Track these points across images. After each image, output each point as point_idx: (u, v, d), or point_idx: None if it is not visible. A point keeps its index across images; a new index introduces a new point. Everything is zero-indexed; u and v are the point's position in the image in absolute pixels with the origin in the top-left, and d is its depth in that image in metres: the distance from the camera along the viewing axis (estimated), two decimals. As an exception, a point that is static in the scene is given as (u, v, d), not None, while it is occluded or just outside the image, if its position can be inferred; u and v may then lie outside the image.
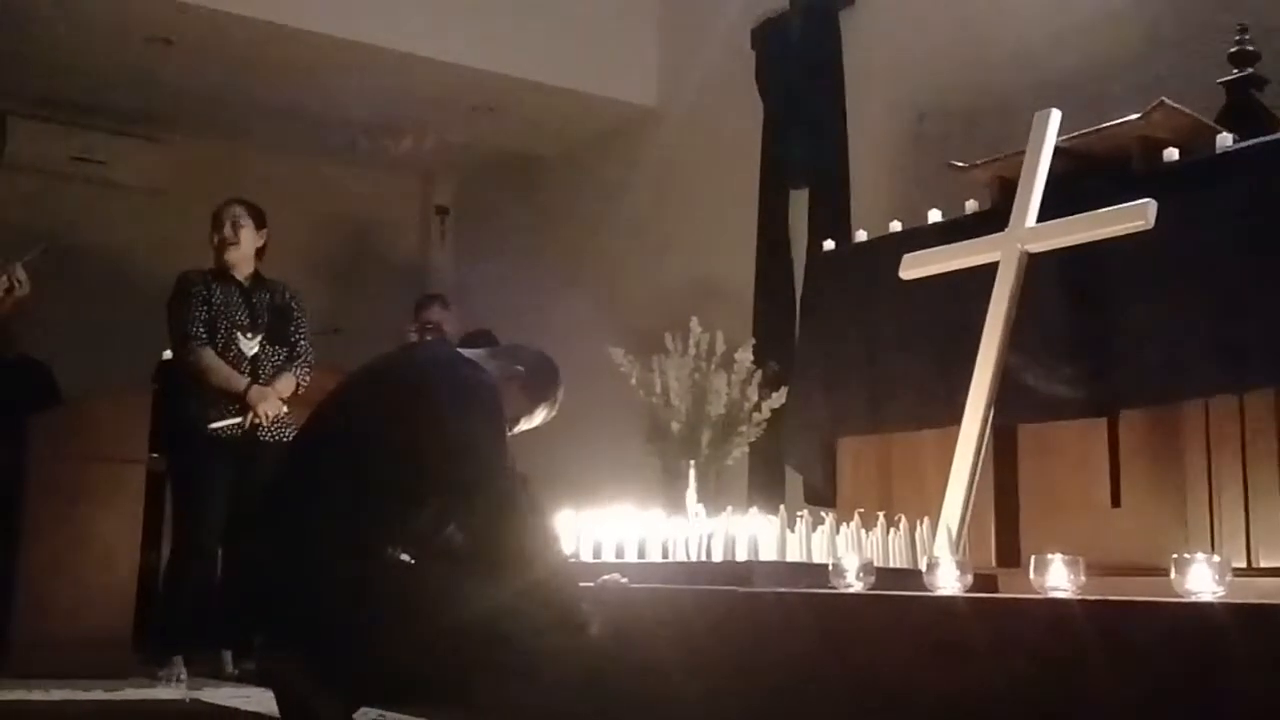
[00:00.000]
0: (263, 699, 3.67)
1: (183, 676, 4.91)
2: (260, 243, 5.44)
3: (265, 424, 5.17)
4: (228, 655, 5.18)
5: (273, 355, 5.34)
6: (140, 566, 5.34)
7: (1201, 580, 2.67)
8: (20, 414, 5.44)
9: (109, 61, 7.14)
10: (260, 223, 5.43)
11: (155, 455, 5.42)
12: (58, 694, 4.27)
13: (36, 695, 4.22)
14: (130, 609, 5.25)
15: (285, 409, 5.26)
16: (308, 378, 5.39)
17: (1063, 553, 2.85)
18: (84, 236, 7.86)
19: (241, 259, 5.38)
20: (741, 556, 3.63)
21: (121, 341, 6.00)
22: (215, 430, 5.14)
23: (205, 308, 5.25)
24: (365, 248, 9.07)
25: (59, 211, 7.80)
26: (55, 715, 3.80)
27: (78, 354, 6.73)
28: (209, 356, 5.19)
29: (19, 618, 5.13)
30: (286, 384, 5.32)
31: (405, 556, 3.29)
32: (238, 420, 5.15)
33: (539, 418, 3.68)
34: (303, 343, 5.46)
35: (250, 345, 5.28)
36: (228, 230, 5.34)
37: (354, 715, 3.32)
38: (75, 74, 7.33)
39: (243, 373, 5.23)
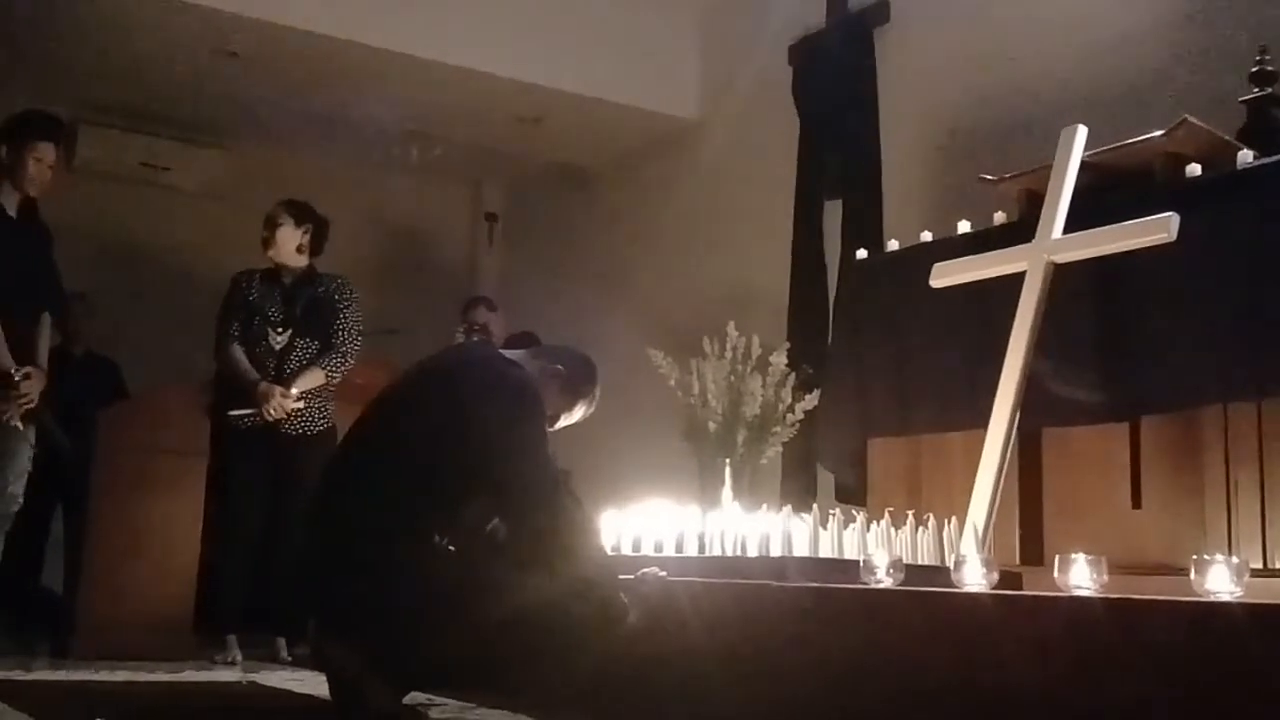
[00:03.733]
0: (316, 683, 3.70)
1: (237, 658, 4.95)
2: (301, 239, 5.42)
3: (275, 416, 5.18)
4: (282, 641, 5.21)
5: (304, 348, 5.32)
6: (200, 554, 5.37)
7: (1220, 581, 2.66)
8: (89, 408, 5.50)
9: (176, 72, 7.20)
10: (301, 220, 5.42)
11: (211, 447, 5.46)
12: (122, 675, 4.30)
13: (102, 675, 4.26)
14: (191, 595, 5.29)
15: (299, 404, 5.23)
16: (339, 370, 5.34)
17: (1085, 552, 2.85)
18: (149, 239, 7.95)
19: (284, 256, 5.39)
20: (776, 552, 3.63)
21: (184, 338, 6.05)
22: (234, 418, 5.19)
23: (244, 307, 5.31)
24: (418, 252, 9.12)
25: (126, 215, 7.88)
26: (120, 695, 3.83)
27: (143, 351, 6.80)
28: (234, 353, 5.26)
29: (86, 602, 5.19)
30: (311, 378, 5.28)
31: (452, 548, 3.30)
32: (253, 410, 5.18)
33: (578, 415, 3.70)
34: (341, 335, 5.38)
35: (279, 340, 5.29)
36: (265, 231, 5.39)
37: (403, 700, 3.34)
38: (144, 84, 7.41)
39: (268, 366, 5.24)
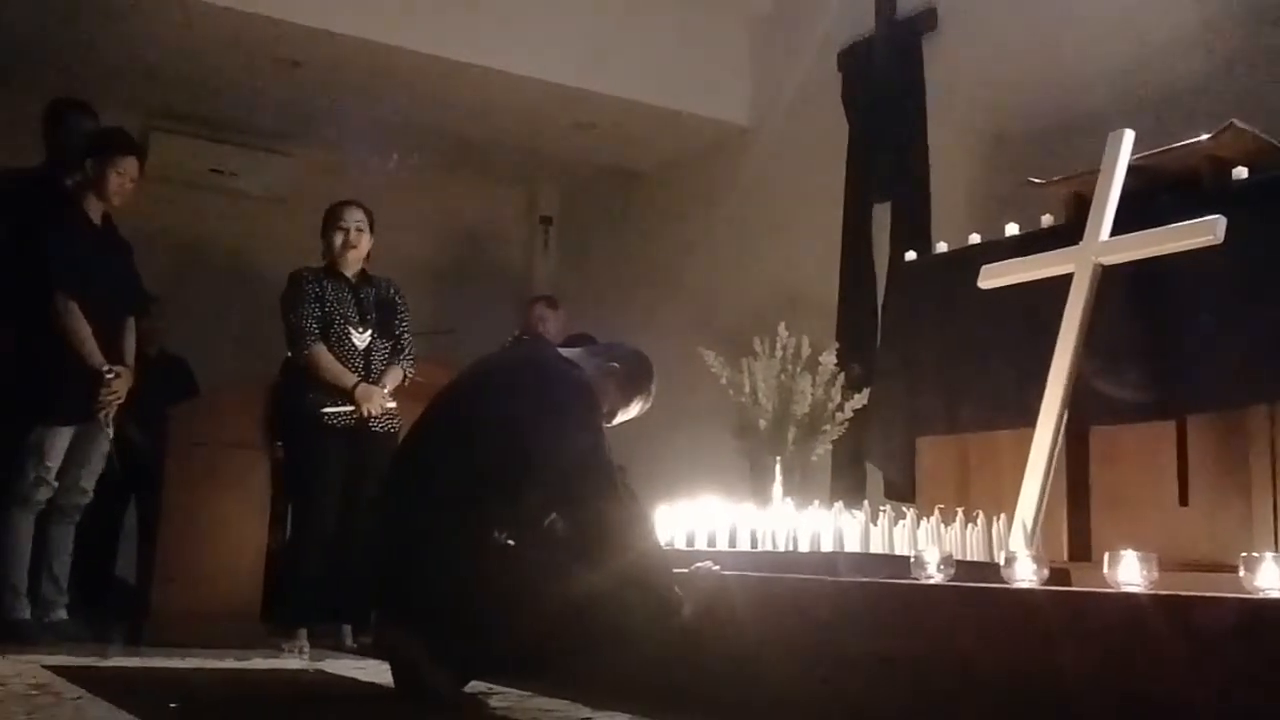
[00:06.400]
0: (379, 670, 3.71)
1: (305, 649, 4.97)
2: (371, 242, 5.44)
3: (374, 416, 5.20)
4: (347, 629, 5.23)
5: (381, 348, 5.34)
6: (267, 546, 5.42)
7: (1270, 578, 2.63)
8: (161, 405, 5.56)
9: (243, 82, 7.27)
10: (372, 224, 5.44)
11: (279, 444, 5.47)
12: (192, 661, 4.33)
13: (174, 662, 4.30)
14: (258, 585, 5.33)
15: (393, 403, 5.25)
16: (413, 369, 5.39)
17: (1134, 549, 2.82)
18: (219, 242, 8.03)
19: (356, 257, 5.38)
20: (827, 547, 3.61)
21: (252, 337, 6.10)
22: (329, 415, 5.15)
23: (318, 304, 5.25)
24: (475, 254, 9.14)
25: (197, 219, 7.96)
26: (190, 681, 3.85)
27: (214, 350, 6.87)
28: (322, 352, 5.19)
29: (158, 591, 5.25)
30: (394, 377, 5.31)
31: (511, 542, 3.31)
32: (350, 409, 5.18)
33: (634, 410, 3.70)
34: (406, 335, 5.44)
35: (362, 339, 5.29)
36: (352, 234, 5.35)
37: (464, 688, 3.35)
38: (212, 93, 7.48)
39: (355, 365, 5.23)
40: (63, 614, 5.06)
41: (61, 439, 4.94)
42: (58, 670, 3.79)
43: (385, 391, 5.24)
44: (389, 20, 6.59)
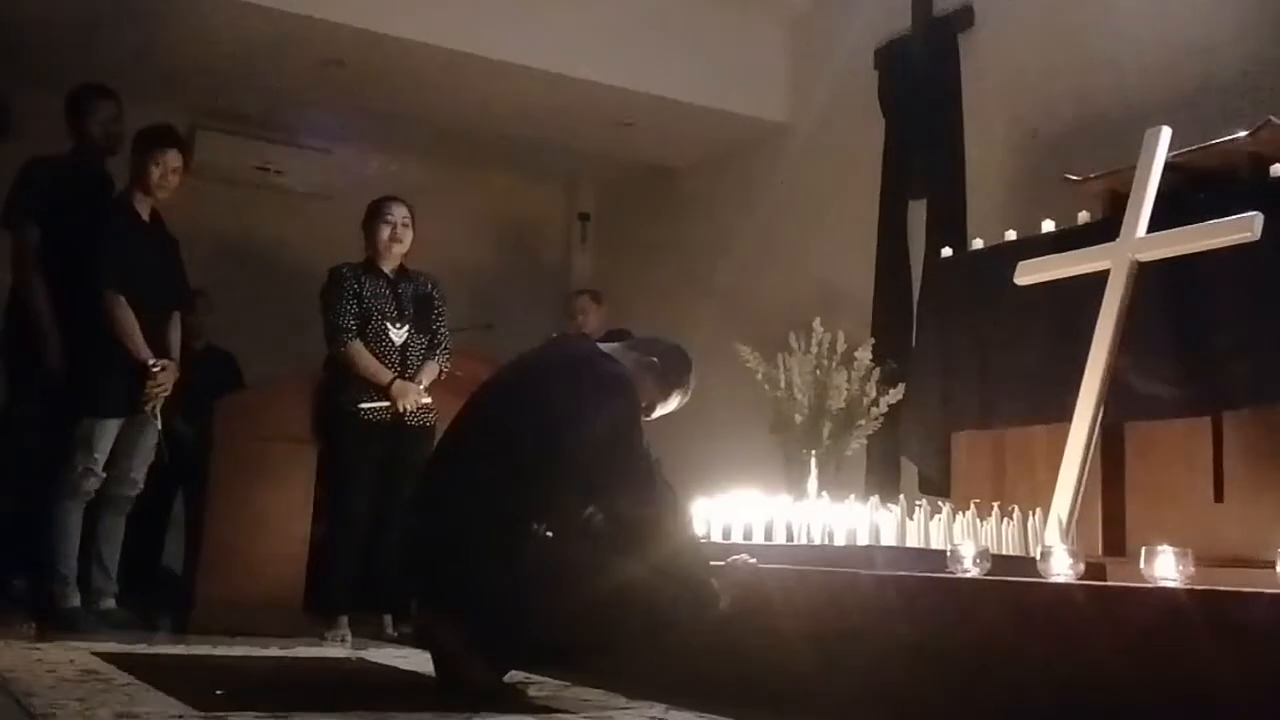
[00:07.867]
0: (420, 659, 3.72)
1: (347, 637, 4.99)
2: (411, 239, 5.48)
3: (410, 411, 5.22)
4: (388, 619, 5.25)
5: (418, 343, 5.35)
6: (310, 537, 5.44)
7: (1307, 573, 2.60)
8: (208, 398, 5.59)
9: (288, 81, 7.29)
10: (414, 222, 5.46)
11: (325, 436, 5.49)
12: (237, 649, 4.36)
13: (220, 650, 4.32)
14: (301, 575, 5.35)
15: (428, 399, 5.26)
16: (449, 364, 5.39)
17: (1169, 544, 2.79)
18: (264, 238, 8.07)
19: (400, 252, 5.40)
20: (863, 541, 3.60)
21: (297, 331, 6.10)
22: (364, 411, 5.17)
23: (356, 301, 5.25)
24: (514, 250, 9.16)
25: (242, 215, 8.00)
26: (234, 669, 3.88)
27: (259, 344, 6.90)
28: (358, 349, 5.20)
29: (204, 580, 5.28)
30: (430, 372, 5.32)
31: (550, 534, 3.31)
32: (385, 404, 5.19)
33: (673, 404, 3.69)
34: (443, 330, 5.44)
35: (399, 334, 5.30)
36: (398, 229, 5.37)
37: (503, 677, 3.35)
38: (258, 92, 7.51)
39: (392, 361, 5.24)
40: (111, 602, 5.10)
41: (108, 431, 4.97)
42: (107, 657, 3.83)
43: (420, 387, 5.24)
44: (431, 21, 6.60)
